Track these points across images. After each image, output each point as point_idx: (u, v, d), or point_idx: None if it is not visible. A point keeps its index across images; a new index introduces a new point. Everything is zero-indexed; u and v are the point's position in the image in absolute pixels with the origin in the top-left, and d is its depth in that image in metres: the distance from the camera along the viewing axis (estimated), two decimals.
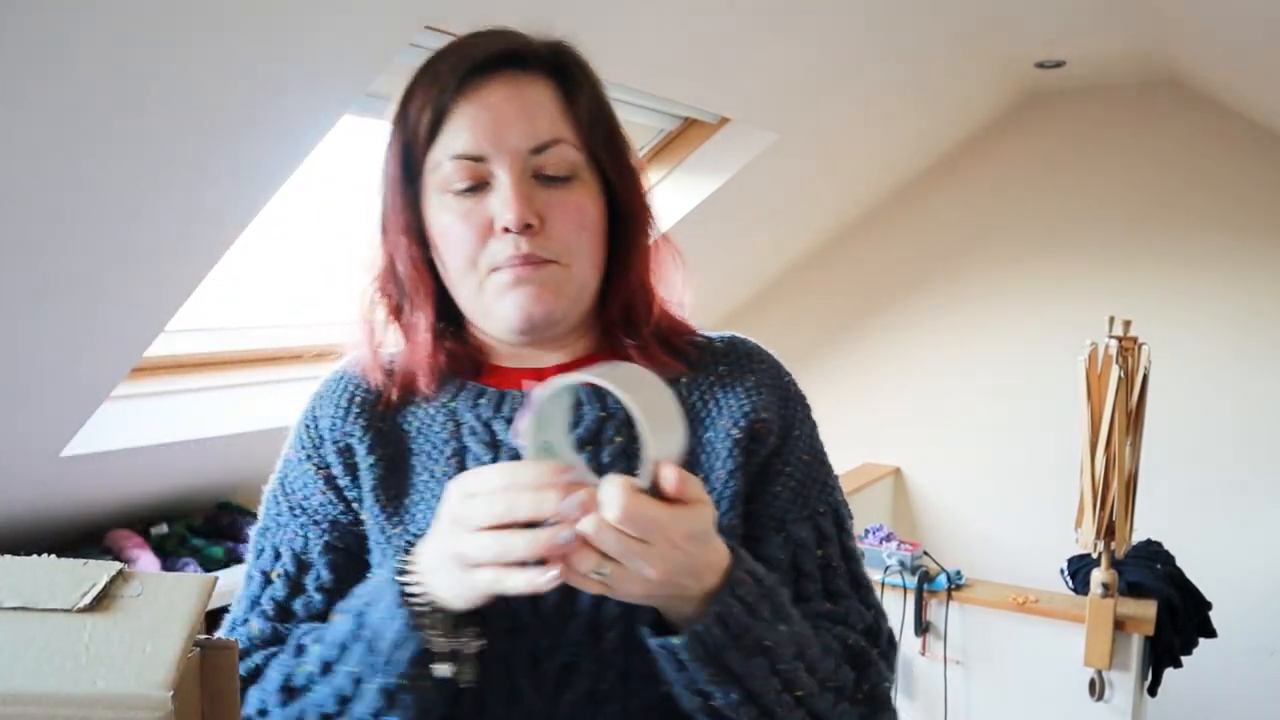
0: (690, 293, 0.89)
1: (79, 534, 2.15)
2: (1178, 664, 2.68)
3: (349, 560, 0.83)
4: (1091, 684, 2.57)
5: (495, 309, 0.79)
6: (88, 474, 1.96)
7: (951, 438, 4.12)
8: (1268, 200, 3.54)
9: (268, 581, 0.83)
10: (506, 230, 0.76)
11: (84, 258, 1.52)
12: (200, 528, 2.33)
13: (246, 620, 0.82)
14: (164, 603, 0.68)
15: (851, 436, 4.22)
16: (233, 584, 2.59)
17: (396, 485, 0.82)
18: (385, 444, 0.83)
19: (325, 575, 0.82)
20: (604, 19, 1.91)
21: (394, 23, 1.57)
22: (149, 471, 2.11)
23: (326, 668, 0.74)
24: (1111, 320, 2.50)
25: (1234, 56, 2.87)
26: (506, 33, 0.81)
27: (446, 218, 0.79)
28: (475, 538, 0.65)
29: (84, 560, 0.69)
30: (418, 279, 0.82)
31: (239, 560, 2.27)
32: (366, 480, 0.82)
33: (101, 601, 0.66)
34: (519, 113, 0.77)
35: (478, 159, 0.77)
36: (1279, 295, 3.55)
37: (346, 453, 0.83)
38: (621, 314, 0.85)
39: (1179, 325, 3.61)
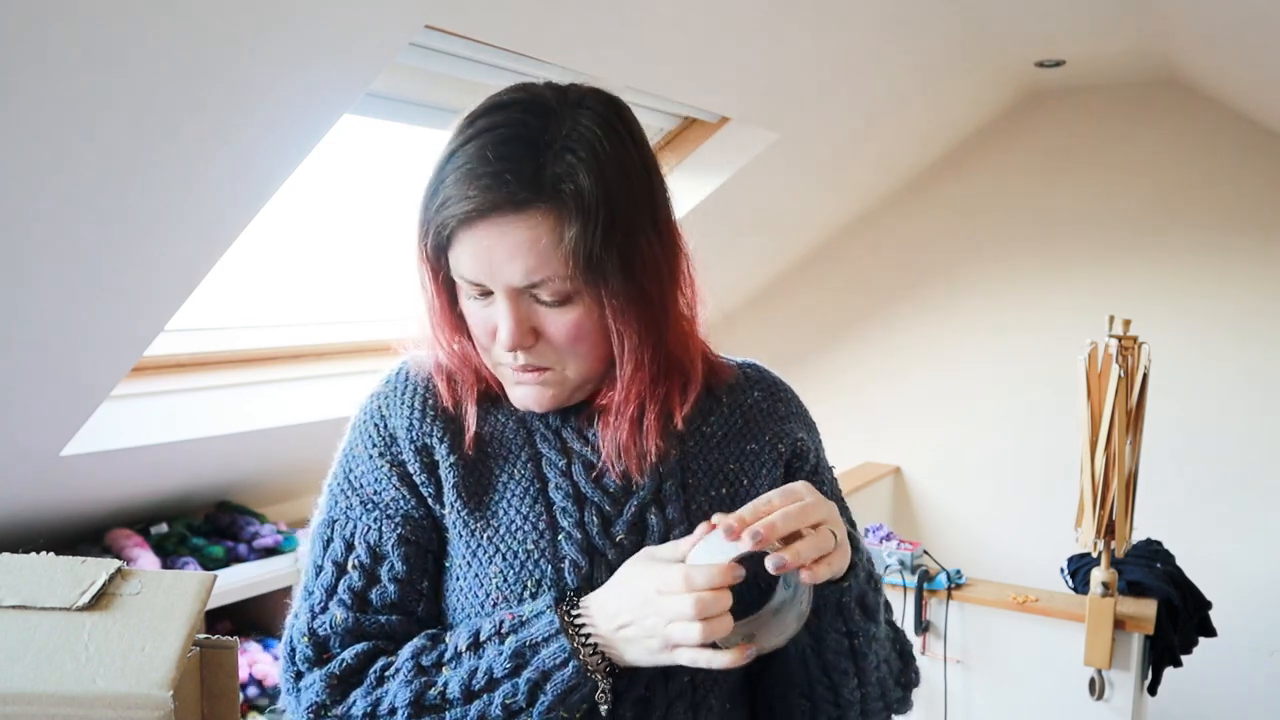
0: (701, 305, 0.93)
1: (79, 533, 2.15)
2: (1178, 663, 2.68)
3: (419, 552, 0.89)
4: (1091, 683, 2.57)
5: (507, 390, 0.90)
6: (87, 473, 1.96)
7: (951, 437, 4.12)
8: (1268, 200, 3.54)
9: (342, 571, 0.88)
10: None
11: (84, 257, 1.52)
12: (200, 527, 2.33)
13: (327, 608, 0.87)
14: (163, 601, 0.68)
15: (851, 436, 4.22)
16: (232, 583, 2.54)
17: (477, 484, 0.89)
18: (462, 444, 0.89)
19: (399, 567, 0.87)
20: (604, 18, 1.91)
21: (394, 23, 1.57)
22: (149, 471, 2.11)
23: (471, 694, 0.82)
24: (1111, 319, 2.50)
25: (1234, 56, 2.87)
26: (510, 160, 0.79)
27: (467, 306, 0.87)
28: (686, 626, 0.75)
29: (82, 558, 0.69)
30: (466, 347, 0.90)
31: (239, 559, 2.27)
32: (448, 478, 0.88)
33: (100, 600, 0.66)
34: (508, 256, 0.80)
35: (479, 284, 0.83)
36: (1278, 294, 3.55)
37: (425, 452, 0.89)
38: (663, 369, 0.88)
39: (1179, 324, 3.61)
